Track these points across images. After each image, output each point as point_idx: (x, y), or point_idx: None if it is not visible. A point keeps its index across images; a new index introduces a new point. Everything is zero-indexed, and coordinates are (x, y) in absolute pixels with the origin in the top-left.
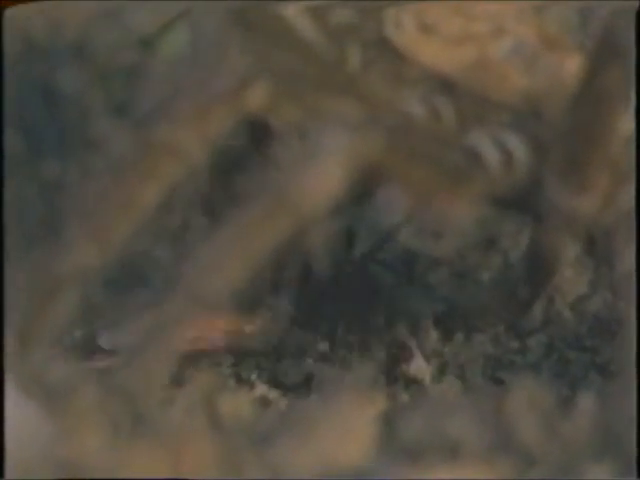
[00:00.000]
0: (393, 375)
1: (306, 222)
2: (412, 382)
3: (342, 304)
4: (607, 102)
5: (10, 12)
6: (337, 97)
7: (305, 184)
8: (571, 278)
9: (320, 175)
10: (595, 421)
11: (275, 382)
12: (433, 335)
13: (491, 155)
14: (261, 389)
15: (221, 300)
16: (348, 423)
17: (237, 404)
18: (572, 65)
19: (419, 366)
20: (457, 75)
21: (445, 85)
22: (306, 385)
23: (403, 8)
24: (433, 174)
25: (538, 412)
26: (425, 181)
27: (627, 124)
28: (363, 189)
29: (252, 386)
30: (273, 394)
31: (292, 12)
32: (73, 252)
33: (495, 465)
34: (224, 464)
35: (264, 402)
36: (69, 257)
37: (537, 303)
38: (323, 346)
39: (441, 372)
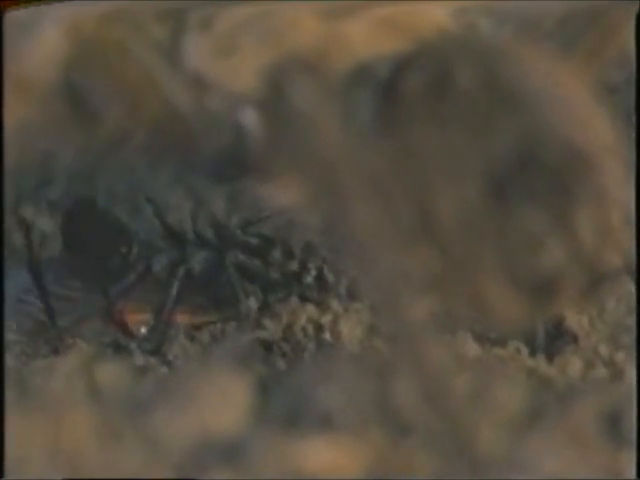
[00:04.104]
0: (270, 343)
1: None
2: (290, 351)
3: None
4: None
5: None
6: None
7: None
8: None
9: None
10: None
11: (153, 351)
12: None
13: None
14: (139, 358)
15: None
16: (224, 391)
17: (116, 373)
18: None
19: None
20: None
21: None
22: (184, 354)
23: None
24: None
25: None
26: None
27: None
28: None
29: (131, 354)
30: (151, 362)
31: None
32: None
33: (369, 435)
34: (103, 432)
35: (142, 371)
36: None
37: None
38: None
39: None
